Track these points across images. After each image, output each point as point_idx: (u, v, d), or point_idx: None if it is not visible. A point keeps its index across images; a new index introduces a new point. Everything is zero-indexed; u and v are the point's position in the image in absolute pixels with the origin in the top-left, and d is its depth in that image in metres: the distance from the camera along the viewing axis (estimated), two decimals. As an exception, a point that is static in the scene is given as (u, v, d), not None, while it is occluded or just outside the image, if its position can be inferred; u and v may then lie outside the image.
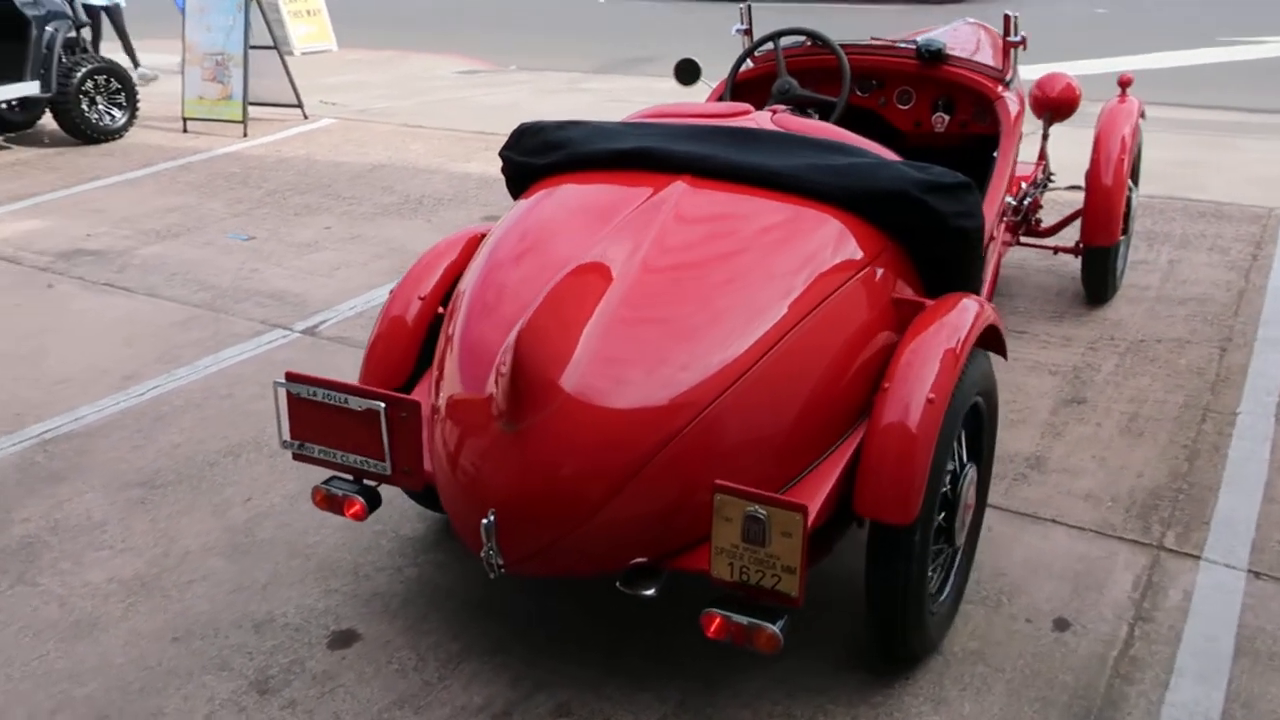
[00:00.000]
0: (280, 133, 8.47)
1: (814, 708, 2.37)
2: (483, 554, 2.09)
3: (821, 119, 3.53)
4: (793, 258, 2.30)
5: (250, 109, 8.58)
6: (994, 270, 3.66)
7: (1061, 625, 2.61)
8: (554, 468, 2.03)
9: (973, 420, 2.55)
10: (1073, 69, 4.79)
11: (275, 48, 8.58)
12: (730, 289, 2.21)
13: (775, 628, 1.97)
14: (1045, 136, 4.50)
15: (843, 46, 3.49)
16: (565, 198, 2.54)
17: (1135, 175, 4.53)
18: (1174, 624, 2.60)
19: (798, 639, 2.53)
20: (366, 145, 7.94)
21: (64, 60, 7.99)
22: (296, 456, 2.46)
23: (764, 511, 1.93)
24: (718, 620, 2.01)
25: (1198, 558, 2.84)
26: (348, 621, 2.69)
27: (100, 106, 8.30)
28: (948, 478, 2.38)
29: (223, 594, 2.80)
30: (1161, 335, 4.17)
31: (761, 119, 2.74)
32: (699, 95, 3.92)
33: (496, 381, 2.06)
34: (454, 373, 2.25)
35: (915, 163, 2.54)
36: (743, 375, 2.12)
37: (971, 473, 2.46)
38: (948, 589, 2.55)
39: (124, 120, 8.44)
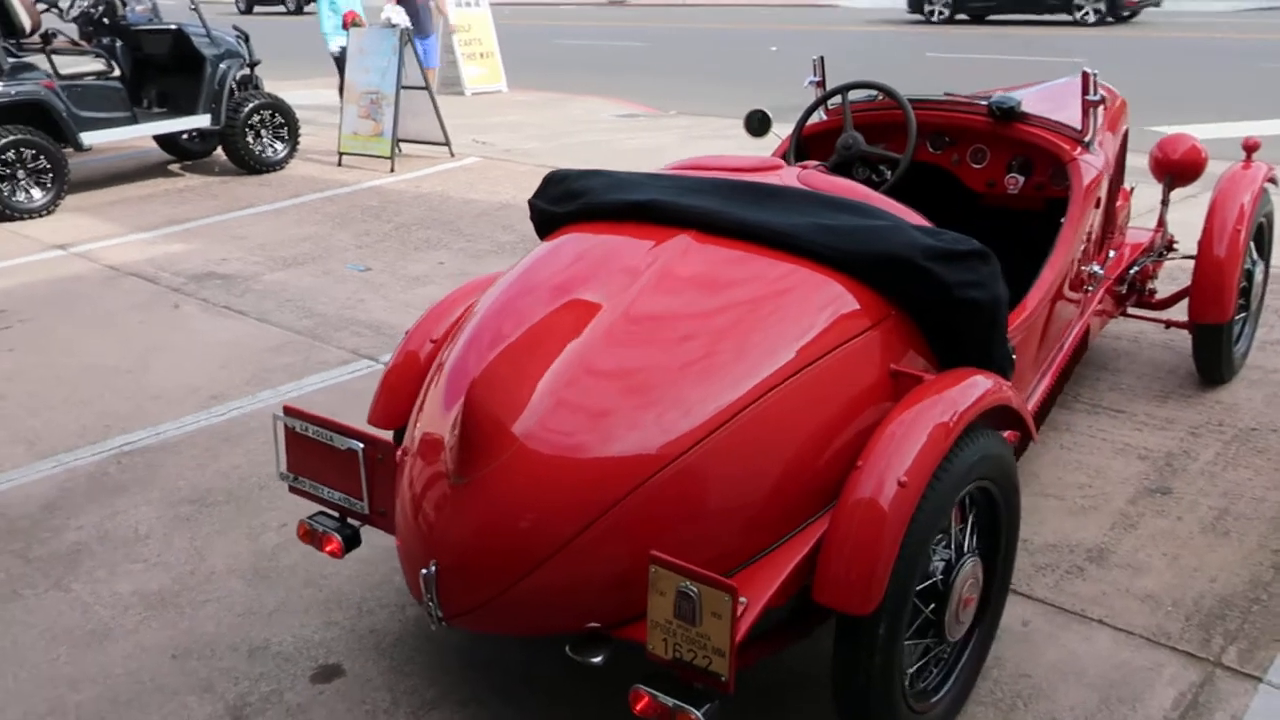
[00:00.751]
0: (425, 169, 8.81)
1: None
2: (423, 604, 2.07)
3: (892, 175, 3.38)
4: (777, 320, 2.18)
5: (404, 146, 8.99)
6: (1075, 341, 3.41)
7: (1078, 741, 2.37)
8: (494, 524, 1.98)
9: (985, 508, 2.36)
10: (1201, 132, 4.44)
11: (427, 88, 8.94)
12: (703, 347, 2.12)
13: (699, 713, 1.85)
14: (1165, 202, 4.19)
15: (913, 102, 3.33)
16: (570, 247, 2.50)
17: (1262, 246, 4.14)
18: (1210, 753, 2.32)
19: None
20: (499, 184, 8.14)
21: (235, 95, 8.57)
22: (291, 489, 2.52)
23: (695, 588, 1.82)
24: (645, 699, 1.91)
25: (1258, 679, 2.53)
26: (336, 656, 2.70)
27: (264, 139, 8.84)
28: (940, 567, 2.20)
29: (231, 616, 2.87)
30: (1278, 424, 3.77)
31: (787, 175, 2.64)
32: (769, 146, 3.83)
33: (450, 432, 2.05)
34: (423, 417, 2.25)
35: (933, 228, 2.39)
36: (705, 438, 2.02)
37: (970, 564, 2.26)
38: (946, 687, 2.35)
39: (285, 153, 8.97)
